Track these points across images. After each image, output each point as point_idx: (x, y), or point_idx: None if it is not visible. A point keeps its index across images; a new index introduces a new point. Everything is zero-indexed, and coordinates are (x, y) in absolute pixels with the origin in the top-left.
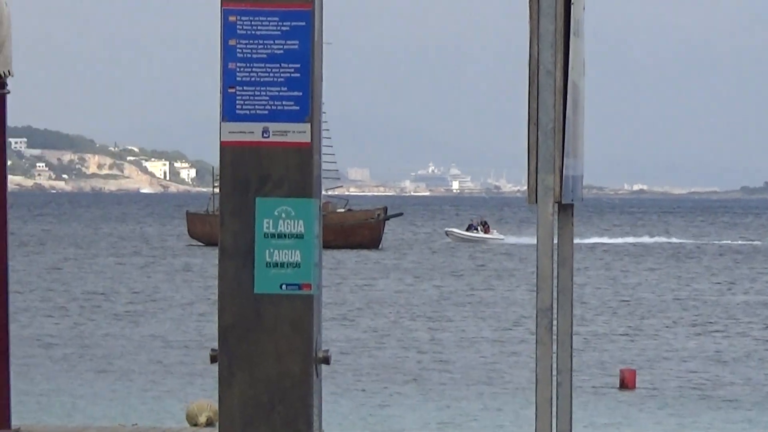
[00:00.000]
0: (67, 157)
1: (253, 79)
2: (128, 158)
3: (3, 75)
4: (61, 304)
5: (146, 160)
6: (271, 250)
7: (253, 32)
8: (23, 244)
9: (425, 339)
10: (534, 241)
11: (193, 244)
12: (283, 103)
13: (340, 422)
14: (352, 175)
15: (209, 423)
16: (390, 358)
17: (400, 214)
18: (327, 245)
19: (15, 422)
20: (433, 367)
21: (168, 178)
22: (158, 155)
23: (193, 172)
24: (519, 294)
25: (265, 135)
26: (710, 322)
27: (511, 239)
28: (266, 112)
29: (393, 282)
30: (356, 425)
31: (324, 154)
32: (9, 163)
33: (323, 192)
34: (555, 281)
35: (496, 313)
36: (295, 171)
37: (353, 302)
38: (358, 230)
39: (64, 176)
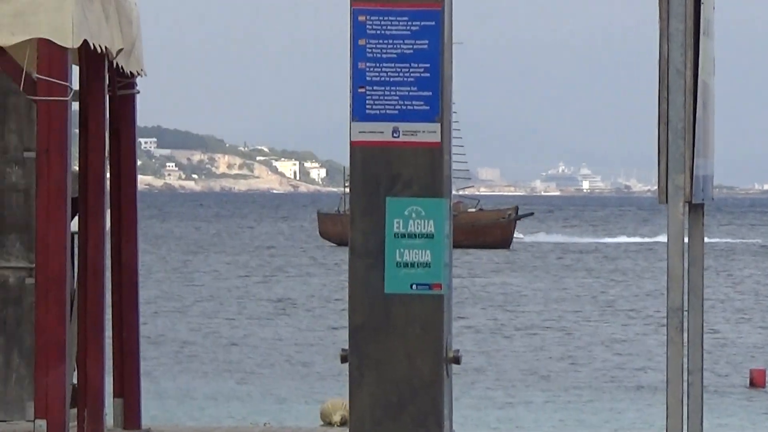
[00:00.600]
0: (197, 157)
1: (382, 79)
2: (258, 158)
3: (134, 75)
4: (188, 304)
5: (276, 160)
6: (402, 250)
7: (383, 32)
8: (154, 242)
9: (556, 339)
10: (551, 239)
11: (324, 245)
12: (413, 102)
13: (475, 423)
14: (483, 175)
15: (343, 422)
16: (524, 356)
17: (531, 214)
18: (458, 245)
19: (145, 422)
20: (563, 366)
21: (298, 177)
22: (288, 155)
23: (323, 172)
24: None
25: (395, 135)
26: None
27: (529, 238)
28: (396, 111)
29: (527, 280)
30: (485, 425)
31: (454, 153)
32: (139, 163)
33: (454, 192)
34: (685, 281)
35: (632, 311)
36: (425, 171)
37: (486, 299)
38: (490, 230)
39: (194, 176)
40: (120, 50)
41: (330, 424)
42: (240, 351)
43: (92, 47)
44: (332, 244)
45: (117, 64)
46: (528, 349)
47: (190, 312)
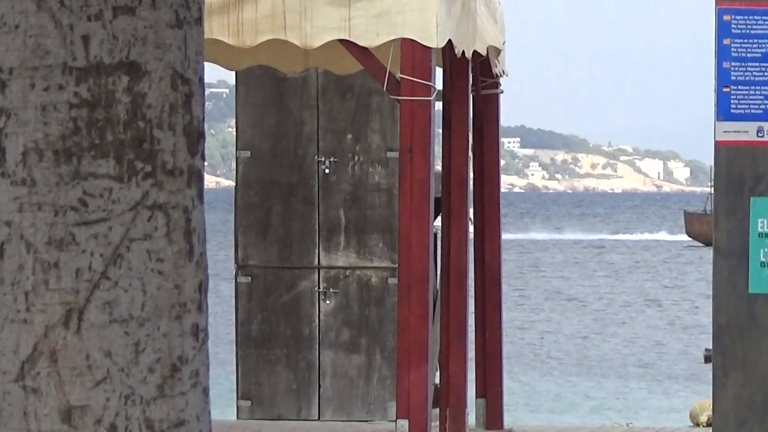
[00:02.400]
0: (560, 156)
1: (747, 78)
2: (621, 158)
3: (498, 75)
4: (556, 305)
5: (639, 160)
6: (766, 250)
7: (748, 31)
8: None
9: None
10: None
11: (692, 245)
12: None
13: None
14: None
15: (709, 423)
16: None
17: None
18: None
19: (507, 422)
20: None
21: (662, 177)
22: (652, 155)
23: (686, 172)
24: None
25: (759, 134)
26: None
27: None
28: (760, 111)
29: None
30: None
31: None
32: (502, 162)
33: None
34: None
35: None
36: None
37: None
38: None
39: (557, 176)
40: (490, 49)
41: (697, 424)
42: (593, 350)
43: (456, 47)
44: (699, 244)
45: (479, 64)
46: None
47: (538, 308)
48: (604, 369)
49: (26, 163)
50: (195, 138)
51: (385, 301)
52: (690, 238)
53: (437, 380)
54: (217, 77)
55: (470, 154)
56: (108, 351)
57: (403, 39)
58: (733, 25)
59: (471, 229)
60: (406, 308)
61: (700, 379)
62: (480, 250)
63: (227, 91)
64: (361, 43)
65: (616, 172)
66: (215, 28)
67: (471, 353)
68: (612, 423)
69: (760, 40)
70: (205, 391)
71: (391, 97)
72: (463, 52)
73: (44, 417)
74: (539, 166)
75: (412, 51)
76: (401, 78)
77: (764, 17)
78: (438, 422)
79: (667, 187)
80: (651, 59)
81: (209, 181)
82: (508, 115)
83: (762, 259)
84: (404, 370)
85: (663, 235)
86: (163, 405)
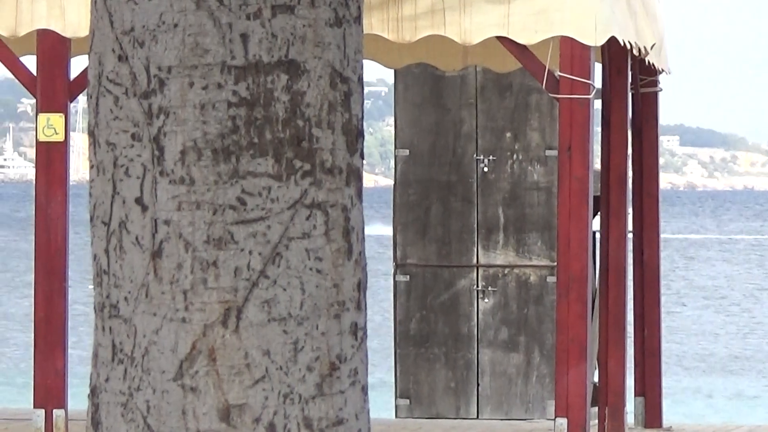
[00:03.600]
0: (719, 154)
1: None
2: None
3: (658, 72)
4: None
5: None
6: None
7: None
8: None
9: None
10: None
11: None
12: None
13: None
14: None
15: None
16: None
17: None
18: None
19: (665, 421)
20: None
21: None
22: None
23: None
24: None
25: None
26: None
27: None
28: None
29: None
30: None
31: None
32: (661, 161)
33: None
34: None
35: None
36: None
37: None
38: None
39: (716, 174)
40: (652, 46)
41: None
42: (749, 348)
43: (621, 43)
44: None
45: (638, 62)
46: None
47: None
48: (761, 367)
49: (185, 162)
50: (354, 136)
51: (544, 300)
52: None
53: (596, 378)
54: (376, 76)
55: (629, 152)
56: (266, 350)
57: (562, 37)
58: None
59: (629, 227)
60: (564, 306)
61: None
62: (639, 248)
63: (386, 89)
64: (519, 41)
65: None
66: (375, 24)
67: (630, 351)
68: None
69: None
70: (364, 390)
71: (550, 95)
72: (626, 48)
73: (203, 416)
74: (698, 164)
75: (571, 49)
76: (560, 76)
77: None
78: (597, 421)
79: None
80: None
81: (368, 179)
82: (667, 112)
83: None
84: (563, 369)
85: None
86: (322, 404)
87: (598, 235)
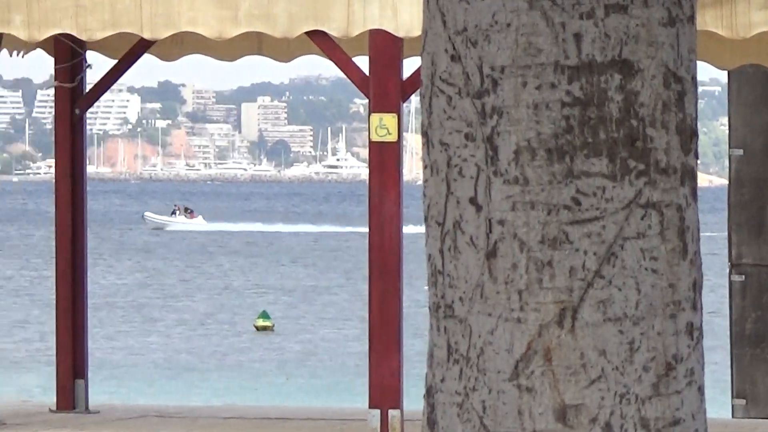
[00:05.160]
0: None
1: None
2: None
3: None
4: None
5: None
6: None
7: None
8: None
9: None
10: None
11: None
12: None
13: None
14: None
15: None
16: None
17: None
18: None
19: None
20: None
21: None
22: None
23: None
24: None
25: None
26: None
27: (215, 226)
28: None
29: None
30: None
31: None
32: None
33: None
34: None
35: None
36: None
37: None
38: None
39: None
40: None
41: None
42: None
43: None
44: None
45: None
46: None
47: None
48: None
49: (519, 162)
50: (688, 136)
51: None
52: None
53: None
54: (709, 75)
55: None
56: (602, 350)
57: None
58: None
59: None
60: None
61: None
62: None
63: (719, 89)
64: None
65: None
66: (708, 21)
67: None
68: None
69: None
70: (701, 390)
71: None
72: None
73: (538, 416)
74: None
75: None
76: None
77: None
78: None
79: None
80: None
81: (702, 179)
82: None
83: None
84: None
85: None
86: (658, 404)
87: None
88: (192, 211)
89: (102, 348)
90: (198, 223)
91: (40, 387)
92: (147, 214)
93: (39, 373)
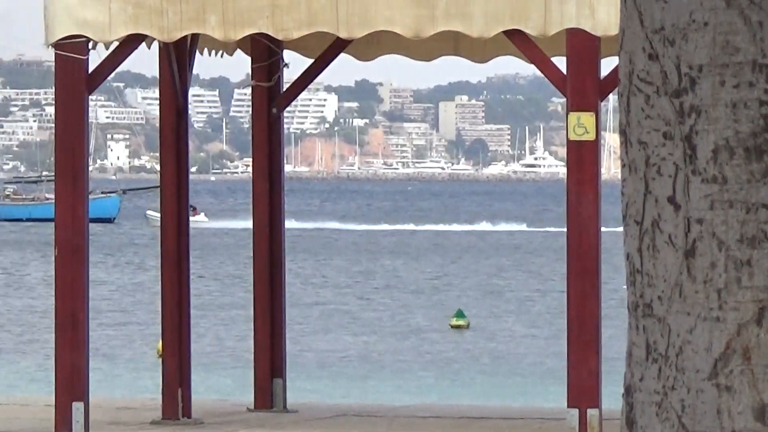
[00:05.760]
0: None
1: None
2: None
3: None
4: None
5: None
6: None
7: None
8: None
9: None
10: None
11: None
12: None
13: None
14: None
15: None
16: None
17: None
18: None
19: None
20: None
21: None
22: None
23: None
24: None
25: None
26: None
27: (218, 224)
28: None
29: None
30: None
31: None
32: None
33: None
34: None
35: None
36: None
37: None
38: None
39: None
40: None
41: None
42: None
43: None
44: None
45: None
46: None
47: None
48: None
49: (717, 161)
50: None
51: None
52: None
53: None
54: None
55: None
56: None
57: None
58: None
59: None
60: None
61: None
62: None
63: None
64: None
65: None
66: None
67: None
68: None
69: None
70: None
71: None
72: None
73: (737, 415)
74: None
75: None
76: None
77: None
78: None
79: None
80: None
81: None
82: None
83: None
84: None
85: None
86: None
87: None
88: (195, 208)
89: (302, 346)
90: (200, 220)
91: (229, 387)
92: (149, 212)
93: (229, 373)
